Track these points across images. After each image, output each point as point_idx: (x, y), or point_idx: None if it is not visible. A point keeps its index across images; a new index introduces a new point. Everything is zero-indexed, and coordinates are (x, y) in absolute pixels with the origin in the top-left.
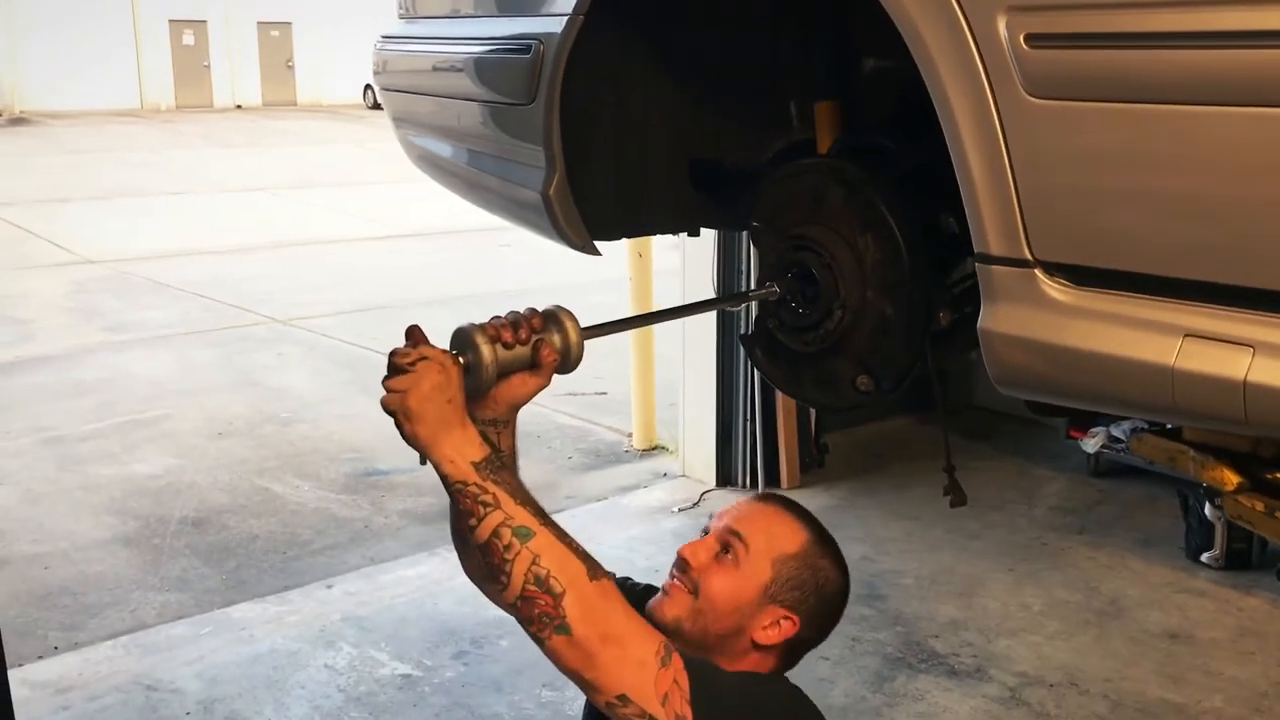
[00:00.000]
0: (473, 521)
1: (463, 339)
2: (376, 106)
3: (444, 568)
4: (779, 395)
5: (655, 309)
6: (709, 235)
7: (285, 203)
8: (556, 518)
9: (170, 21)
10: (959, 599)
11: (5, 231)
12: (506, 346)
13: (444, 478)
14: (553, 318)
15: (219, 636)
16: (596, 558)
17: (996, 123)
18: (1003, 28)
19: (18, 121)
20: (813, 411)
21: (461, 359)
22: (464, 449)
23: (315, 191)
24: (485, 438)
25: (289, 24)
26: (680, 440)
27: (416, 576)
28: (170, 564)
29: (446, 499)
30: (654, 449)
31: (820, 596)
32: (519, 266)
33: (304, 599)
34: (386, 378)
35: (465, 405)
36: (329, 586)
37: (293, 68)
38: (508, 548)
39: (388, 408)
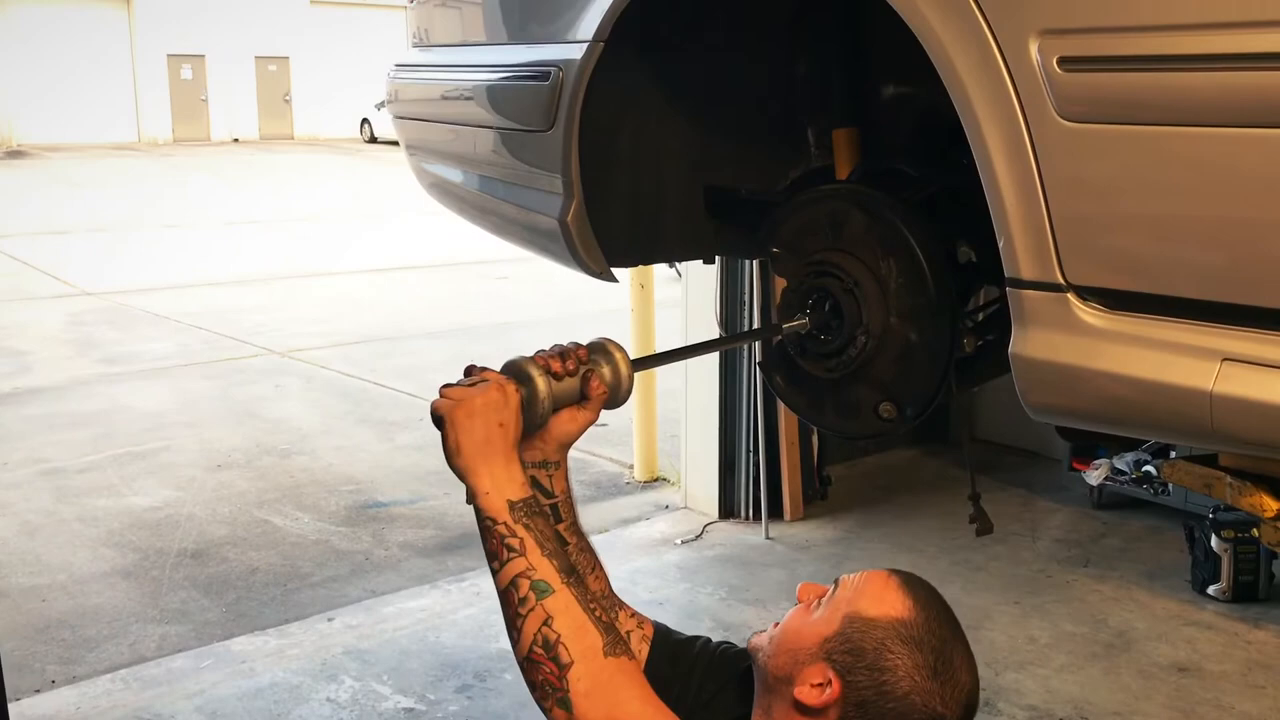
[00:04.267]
0: (495, 565)
1: (516, 371)
2: (374, 140)
3: (446, 601)
4: (782, 427)
5: (692, 342)
6: (712, 267)
7: (282, 235)
8: None
9: (168, 56)
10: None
11: (3, 264)
12: (557, 378)
13: (476, 510)
14: (600, 349)
15: (219, 670)
16: (643, 614)
17: (1029, 146)
18: (1035, 51)
19: (15, 154)
20: (816, 443)
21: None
22: (504, 484)
23: (312, 224)
24: (537, 483)
25: (286, 58)
26: (682, 472)
27: (418, 609)
28: (169, 596)
29: (447, 532)
30: (655, 481)
31: (878, 682)
32: (517, 299)
33: (305, 632)
34: (445, 385)
35: (517, 442)
36: (330, 619)
37: (290, 102)
38: (523, 601)
39: (437, 412)
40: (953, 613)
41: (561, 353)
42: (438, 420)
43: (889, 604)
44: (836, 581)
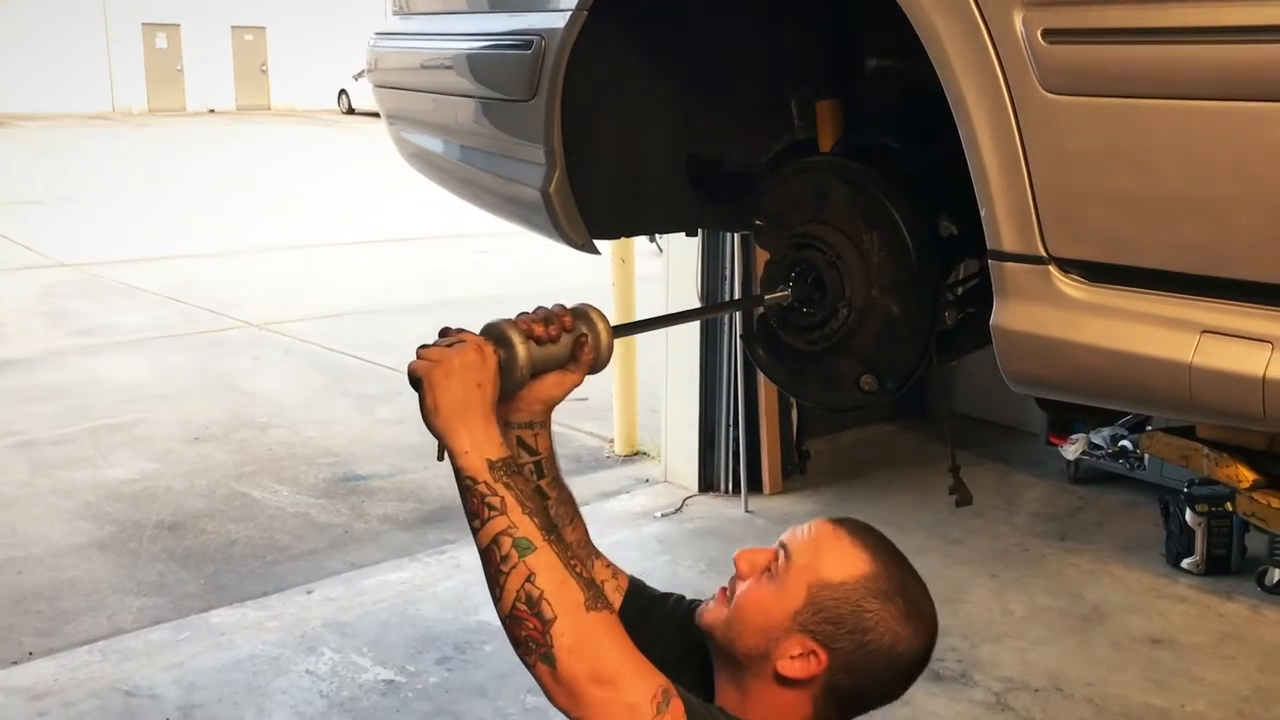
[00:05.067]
0: (476, 523)
1: (495, 334)
2: (351, 111)
3: (426, 573)
4: (762, 401)
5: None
6: (693, 242)
7: (259, 208)
8: None
9: (143, 25)
10: (943, 604)
11: None
12: (539, 343)
13: (456, 470)
14: (582, 315)
15: (198, 642)
16: (618, 565)
17: (1012, 118)
18: (1019, 23)
19: None
20: (795, 417)
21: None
22: (482, 443)
23: (289, 195)
24: (523, 441)
25: (263, 28)
26: (662, 446)
27: (398, 582)
28: (147, 569)
29: (426, 505)
30: (636, 454)
31: (862, 643)
32: (496, 272)
33: (284, 604)
34: (422, 346)
35: (496, 404)
36: (309, 592)
37: (267, 72)
38: (505, 559)
39: (414, 373)
40: (896, 548)
41: (545, 317)
42: (415, 381)
43: (849, 564)
44: (783, 544)
